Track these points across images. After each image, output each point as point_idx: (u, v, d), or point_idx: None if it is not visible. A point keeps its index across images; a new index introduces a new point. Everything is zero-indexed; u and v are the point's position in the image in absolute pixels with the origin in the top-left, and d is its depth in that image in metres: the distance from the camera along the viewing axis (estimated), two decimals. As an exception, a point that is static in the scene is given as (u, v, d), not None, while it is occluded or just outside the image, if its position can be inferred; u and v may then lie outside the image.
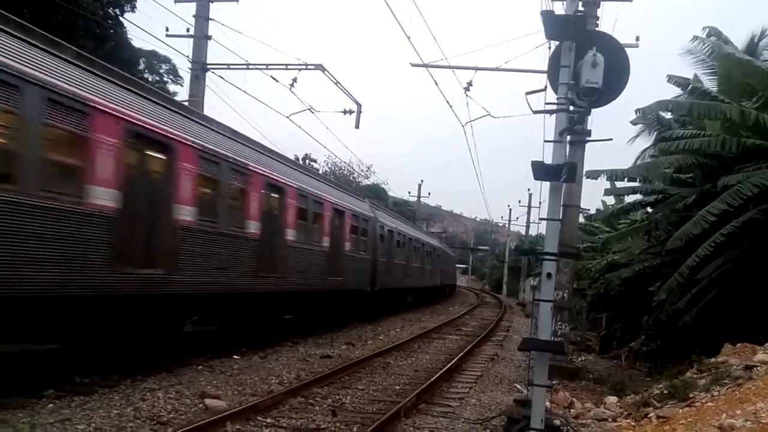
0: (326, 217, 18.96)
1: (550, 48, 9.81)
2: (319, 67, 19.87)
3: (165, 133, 10.91)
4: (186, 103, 16.00)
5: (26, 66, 8.20)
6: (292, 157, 23.69)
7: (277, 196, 15.56)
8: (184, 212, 11.45)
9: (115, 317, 10.38)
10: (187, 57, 19.19)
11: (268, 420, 8.60)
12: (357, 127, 22.89)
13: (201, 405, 9.07)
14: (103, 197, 9.38)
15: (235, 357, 13.26)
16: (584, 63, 6.70)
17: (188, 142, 11.57)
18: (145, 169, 10.77)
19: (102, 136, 9.36)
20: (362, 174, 62.50)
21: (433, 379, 12.00)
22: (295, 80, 19.89)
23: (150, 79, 28.39)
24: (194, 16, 19.05)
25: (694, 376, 11.23)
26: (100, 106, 9.31)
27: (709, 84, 17.27)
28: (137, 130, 10.17)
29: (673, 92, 18.24)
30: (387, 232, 27.17)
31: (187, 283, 11.67)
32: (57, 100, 8.58)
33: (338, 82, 20.67)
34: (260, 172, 14.48)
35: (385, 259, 26.30)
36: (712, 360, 11.88)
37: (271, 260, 15.05)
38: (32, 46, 8.56)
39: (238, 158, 13.45)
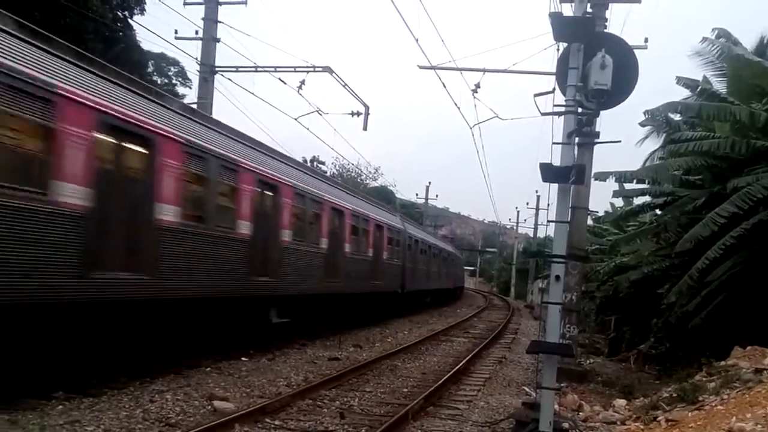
0: (371, 231, 22.80)
1: (558, 50, 9.78)
2: (327, 69, 19.88)
3: (276, 179, 14.87)
4: (195, 106, 16.09)
5: (212, 145, 12.20)
6: (300, 159, 23.85)
7: (338, 217, 19.31)
8: (286, 235, 15.36)
9: (242, 312, 13.93)
10: (196, 59, 19.24)
11: (276, 422, 8.60)
12: (365, 129, 22.88)
13: (209, 407, 9.09)
14: (245, 228, 13.33)
15: (243, 359, 13.28)
16: (593, 65, 6.69)
17: (288, 183, 15.53)
18: (265, 205, 14.45)
19: (245, 185, 13.31)
20: (370, 176, 62.60)
21: (441, 381, 11.97)
22: (303, 82, 19.90)
23: (159, 82, 28.49)
24: (203, 19, 19.09)
25: (704, 379, 11.19)
26: (245, 165, 13.31)
27: (719, 85, 17.20)
28: (262, 179, 14.09)
29: (682, 94, 18.20)
30: (413, 241, 30.92)
31: (285, 287, 15.33)
32: (225, 165, 12.61)
33: (346, 84, 20.67)
34: (328, 200, 18.43)
35: (412, 265, 29.85)
36: (722, 363, 11.82)
37: (334, 268, 18.69)
38: (212, 130, 12.71)
39: (315, 191, 17.43)
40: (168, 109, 11.23)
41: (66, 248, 8.58)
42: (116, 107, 9.47)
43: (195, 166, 11.58)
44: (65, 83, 8.57)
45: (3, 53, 7.68)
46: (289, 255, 15.47)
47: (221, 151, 12.49)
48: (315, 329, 18.12)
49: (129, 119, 9.74)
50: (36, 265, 8.11)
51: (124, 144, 9.81)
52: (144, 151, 10.21)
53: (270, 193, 14.63)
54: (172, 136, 10.74)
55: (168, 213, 10.59)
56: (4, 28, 8.05)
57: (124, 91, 9.96)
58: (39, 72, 8.19)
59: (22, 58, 8.02)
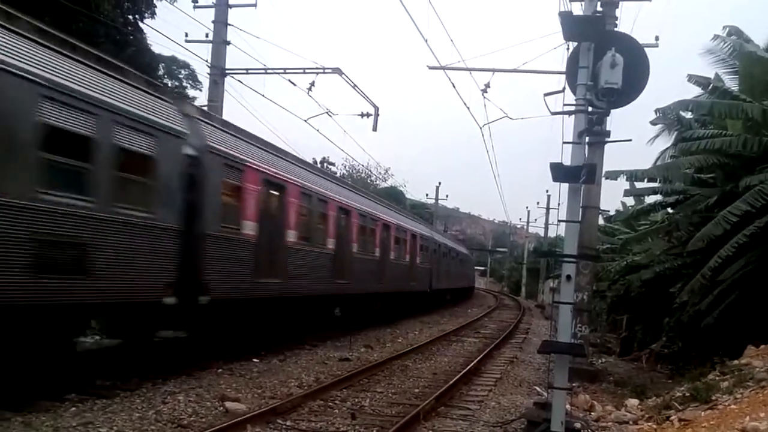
0: (408, 241, 27.63)
1: (568, 49, 9.76)
2: (337, 70, 19.90)
3: (349, 205, 19.71)
4: (205, 108, 16.19)
5: (314, 185, 16.93)
6: (310, 160, 23.99)
7: (386, 231, 24.18)
8: (354, 247, 20.16)
9: (323, 307, 18.83)
10: (206, 62, 19.32)
11: (288, 423, 8.62)
12: (374, 129, 22.90)
13: (221, 408, 9.13)
14: (331, 244, 17.95)
15: (254, 360, 13.32)
16: (603, 64, 6.68)
17: (356, 207, 20.41)
18: (342, 226, 19.06)
19: (331, 212, 17.91)
20: (380, 177, 62.62)
21: (452, 381, 11.97)
22: (312, 84, 19.94)
23: (169, 84, 28.56)
24: (213, 22, 19.16)
25: (717, 378, 11.12)
26: (331, 198, 18.09)
27: (730, 83, 17.10)
28: (341, 206, 18.81)
29: (693, 92, 18.09)
30: (438, 246, 35.51)
31: (354, 287, 19.95)
32: (320, 198, 17.18)
33: (356, 85, 20.68)
34: (380, 217, 23.31)
35: (437, 267, 34.33)
36: (735, 362, 11.76)
37: (384, 272, 23.55)
38: (312, 173, 17.98)
39: (372, 211, 22.60)
40: (292, 163, 16.34)
41: (247, 263, 13.09)
42: (268, 167, 14.15)
43: (305, 201, 16.11)
44: (247, 156, 13.26)
45: (226, 145, 12.55)
46: (356, 263, 20.07)
47: (319, 189, 17.21)
48: (328, 329, 18.17)
49: (275, 174, 14.40)
50: (237, 274, 12.73)
51: (270, 191, 14.33)
52: (280, 194, 14.73)
53: (344, 216, 19.28)
54: (295, 182, 15.48)
55: (292, 236, 15.20)
56: (223, 128, 13.16)
57: (270, 154, 14.86)
58: (238, 153, 12.96)
59: (230, 145, 12.78)
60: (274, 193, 14.53)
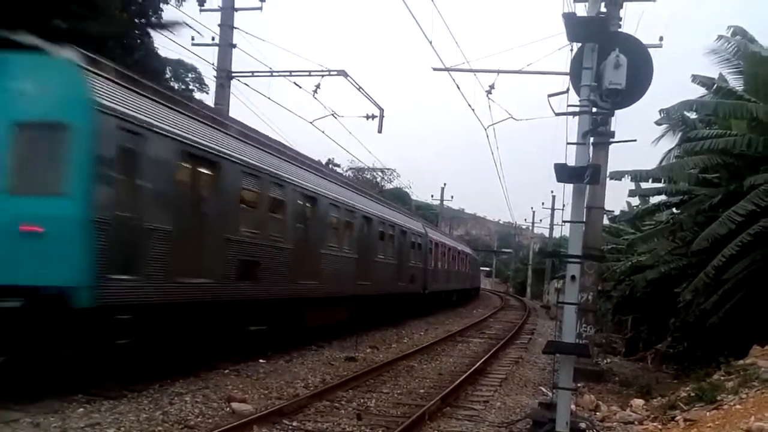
0: (462, 258, 44.41)
1: (572, 50, 9.78)
2: (342, 73, 19.92)
3: (446, 244, 38.87)
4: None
5: (434, 237, 35.19)
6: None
7: (457, 254, 41.68)
8: (455, 266, 41.63)
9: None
10: (213, 65, 19.36)
11: (294, 423, 8.67)
12: (380, 131, 22.92)
13: (228, 409, 9.18)
14: (452, 267, 40.67)
15: (260, 361, 13.36)
16: (607, 64, 6.70)
17: (447, 243, 39.36)
18: (441, 253, 36.62)
19: (432, 245, 33.32)
20: (385, 178, 62.56)
21: (457, 382, 11.99)
22: (318, 86, 19.98)
23: (176, 87, 28.57)
24: (219, 25, 19.21)
25: (722, 378, 11.12)
26: (434, 239, 34.26)
27: (735, 83, 17.08)
28: (463, 251, 45.79)
29: (697, 92, 18.07)
30: (474, 259, 54.28)
31: (450, 288, 40.09)
32: (430, 240, 33.00)
33: (361, 87, 20.70)
34: (455, 246, 42.43)
35: (472, 272, 50.68)
36: (740, 362, 11.75)
37: (458, 278, 42.16)
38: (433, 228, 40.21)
39: (451, 243, 41.82)
40: (440, 232, 41.46)
41: (436, 278, 33.27)
42: (437, 237, 34.95)
43: (444, 249, 36.06)
44: (434, 237, 34.00)
45: (432, 233, 33.72)
46: (451, 274, 38.76)
47: (447, 242, 38.52)
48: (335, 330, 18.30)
49: (437, 240, 34.40)
50: (434, 281, 32.74)
51: (436, 249, 33.47)
52: (437, 249, 33.62)
53: (448, 251, 37.30)
54: (444, 242, 37.46)
55: (442, 266, 35.33)
56: (431, 226, 38.96)
57: (435, 231, 38.65)
58: (432, 236, 33.18)
59: (432, 233, 34.12)
60: (437, 249, 32.59)
